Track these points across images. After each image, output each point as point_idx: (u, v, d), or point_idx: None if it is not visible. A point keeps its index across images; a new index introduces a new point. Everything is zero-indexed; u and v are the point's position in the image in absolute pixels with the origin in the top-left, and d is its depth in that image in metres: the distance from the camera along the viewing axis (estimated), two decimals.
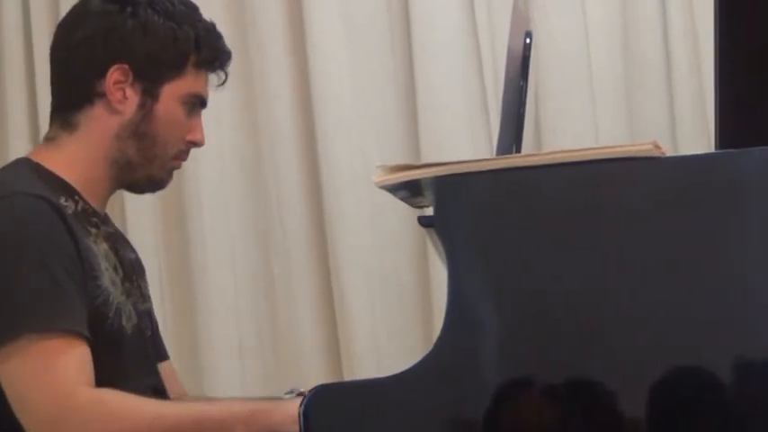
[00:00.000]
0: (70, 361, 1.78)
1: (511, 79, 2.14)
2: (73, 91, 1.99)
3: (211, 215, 3.18)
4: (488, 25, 3.06)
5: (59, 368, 1.77)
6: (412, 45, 3.10)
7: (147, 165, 2.00)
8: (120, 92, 1.96)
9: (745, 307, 1.64)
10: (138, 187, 2.06)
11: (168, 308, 3.19)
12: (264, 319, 3.19)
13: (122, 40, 1.96)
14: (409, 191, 1.81)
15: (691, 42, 2.97)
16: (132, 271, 2.04)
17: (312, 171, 3.16)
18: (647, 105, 3.01)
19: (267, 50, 3.18)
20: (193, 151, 2.07)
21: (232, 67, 2.07)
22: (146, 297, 2.07)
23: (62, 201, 1.90)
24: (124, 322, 1.91)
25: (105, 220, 2.02)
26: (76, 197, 1.95)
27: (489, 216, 1.70)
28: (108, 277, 1.90)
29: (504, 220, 1.70)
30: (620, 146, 1.69)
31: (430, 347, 1.68)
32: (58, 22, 2.07)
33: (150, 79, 1.97)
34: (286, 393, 1.91)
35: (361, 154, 3.10)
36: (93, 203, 1.98)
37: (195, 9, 2.03)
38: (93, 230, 1.94)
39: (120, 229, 2.26)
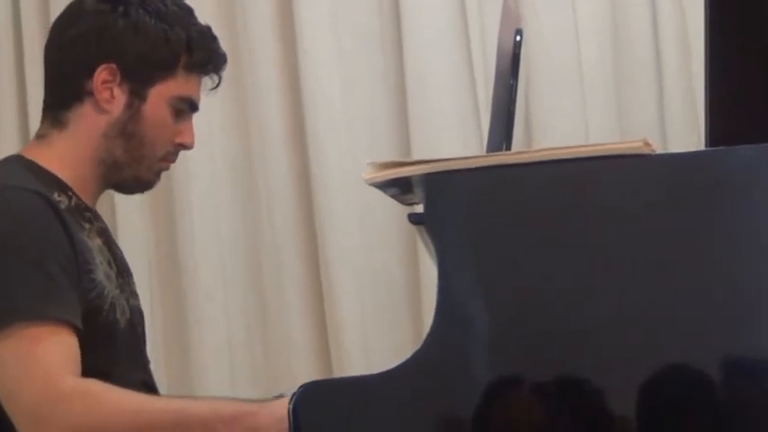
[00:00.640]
0: (57, 350, 1.78)
1: (501, 77, 2.14)
2: (63, 89, 2.00)
3: (201, 213, 3.18)
4: (479, 23, 3.07)
5: (46, 357, 1.77)
6: (402, 43, 3.10)
7: (135, 165, 2.00)
8: (108, 91, 1.96)
9: (733, 305, 1.65)
10: (126, 187, 2.07)
11: (158, 306, 3.18)
12: (254, 317, 3.19)
13: (112, 39, 1.96)
14: (399, 188, 1.81)
15: (681, 40, 2.97)
16: (124, 267, 2.05)
17: (302, 169, 3.16)
18: (638, 103, 3.02)
19: (257, 49, 3.17)
20: (185, 153, 2.06)
21: None
22: (136, 294, 2.07)
23: (55, 196, 1.90)
24: (118, 316, 1.92)
25: (97, 216, 2.02)
26: (69, 192, 1.95)
27: (479, 213, 1.70)
28: (102, 271, 1.91)
29: (494, 217, 1.70)
30: (611, 143, 1.69)
31: (419, 345, 1.68)
32: (48, 22, 2.07)
33: (139, 80, 1.97)
34: (274, 396, 1.91)
35: (351, 152, 3.10)
36: (85, 199, 1.99)
37: (189, 11, 2.03)
38: (87, 225, 1.95)
39: (111, 227, 2.26)
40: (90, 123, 1.97)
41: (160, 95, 1.98)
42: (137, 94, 1.97)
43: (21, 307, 1.78)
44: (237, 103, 3.20)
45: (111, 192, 2.11)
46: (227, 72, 2.07)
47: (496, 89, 2.20)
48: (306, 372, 3.06)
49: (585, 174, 1.67)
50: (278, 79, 3.18)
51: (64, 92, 1.99)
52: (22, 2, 3.28)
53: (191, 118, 2.04)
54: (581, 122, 2.99)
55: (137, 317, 2.02)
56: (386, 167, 1.72)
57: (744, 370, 1.64)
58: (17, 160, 1.99)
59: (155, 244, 3.23)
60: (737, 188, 1.68)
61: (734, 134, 1.82)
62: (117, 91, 1.97)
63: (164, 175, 2.07)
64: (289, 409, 1.68)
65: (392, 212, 2.95)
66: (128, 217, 3.17)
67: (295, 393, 1.69)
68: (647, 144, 1.67)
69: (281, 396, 1.84)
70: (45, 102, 2.03)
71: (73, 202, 1.94)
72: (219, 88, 2.08)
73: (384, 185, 1.78)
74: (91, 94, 1.97)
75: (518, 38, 2.07)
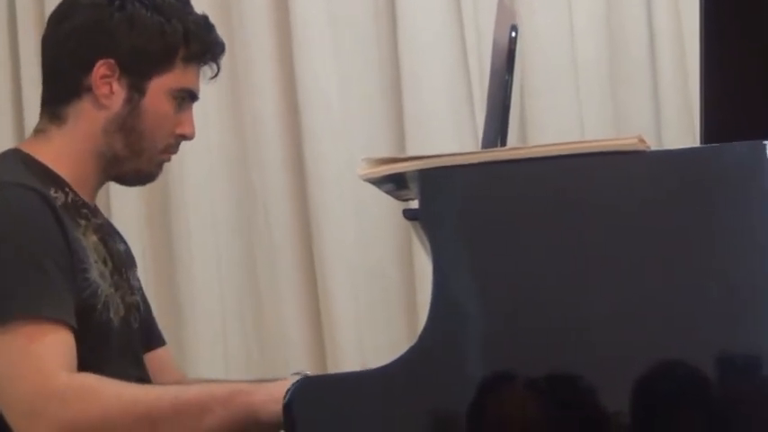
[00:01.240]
0: (52, 346, 1.78)
1: (496, 73, 2.14)
2: (61, 85, 1.99)
3: (196, 209, 3.18)
4: (474, 19, 3.07)
5: (41, 353, 1.76)
6: (397, 39, 3.10)
7: (135, 158, 2.00)
8: (107, 86, 1.96)
9: (727, 301, 1.64)
10: (127, 180, 2.07)
11: (152, 301, 3.17)
12: (249, 313, 3.19)
13: (109, 34, 1.95)
14: (394, 184, 1.80)
15: (676, 39, 2.97)
16: (121, 263, 2.04)
17: (297, 165, 3.16)
18: (633, 100, 3.02)
19: (252, 44, 3.18)
20: (180, 145, 2.06)
21: None
22: (134, 289, 2.06)
23: (52, 192, 1.90)
24: (112, 315, 1.92)
25: (95, 211, 2.02)
26: (66, 189, 1.95)
27: (474, 209, 1.70)
28: (97, 270, 1.90)
29: (489, 213, 1.70)
30: (606, 140, 1.69)
31: (414, 340, 1.67)
32: (43, 16, 2.06)
33: (137, 74, 1.97)
34: (292, 374, 1.90)
35: (346, 147, 3.10)
36: (83, 195, 1.98)
37: (186, 2, 2.02)
38: (83, 222, 1.94)
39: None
40: (89, 119, 1.97)
41: (159, 88, 1.98)
42: (136, 89, 1.97)
43: (16, 305, 1.78)
44: (233, 100, 3.20)
45: (106, 186, 2.10)
46: (223, 68, 2.07)
47: (492, 85, 2.20)
48: (300, 367, 3.04)
49: (580, 170, 1.67)
50: (274, 76, 3.18)
51: (62, 87, 1.99)
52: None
53: (191, 108, 2.03)
54: (576, 119, 3.00)
55: (133, 314, 2.01)
56: (381, 163, 1.72)
57: (738, 366, 1.64)
58: (14, 155, 1.98)
59: (150, 239, 3.23)
60: (732, 185, 1.67)
61: (728, 131, 1.83)
62: (116, 86, 1.96)
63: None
64: (283, 404, 1.68)
65: (387, 208, 2.95)
66: (123, 211, 3.16)
67: (290, 389, 1.69)
68: (641, 141, 1.67)
69: (297, 373, 1.84)
70: (43, 97, 2.02)
71: (69, 199, 1.94)
72: (215, 84, 2.08)
73: (379, 181, 1.78)
74: (89, 89, 1.96)
75: (513, 34, 2.07)
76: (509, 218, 1.70)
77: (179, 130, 2.02)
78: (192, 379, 2.30)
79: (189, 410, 1.76)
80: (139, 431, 1.75)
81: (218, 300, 3.17)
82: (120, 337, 1.94)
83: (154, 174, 2.05)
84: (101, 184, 2.04)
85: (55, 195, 1.90)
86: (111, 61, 1.95)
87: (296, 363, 3.09)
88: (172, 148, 2.04)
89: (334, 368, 3.03)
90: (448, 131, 3.06)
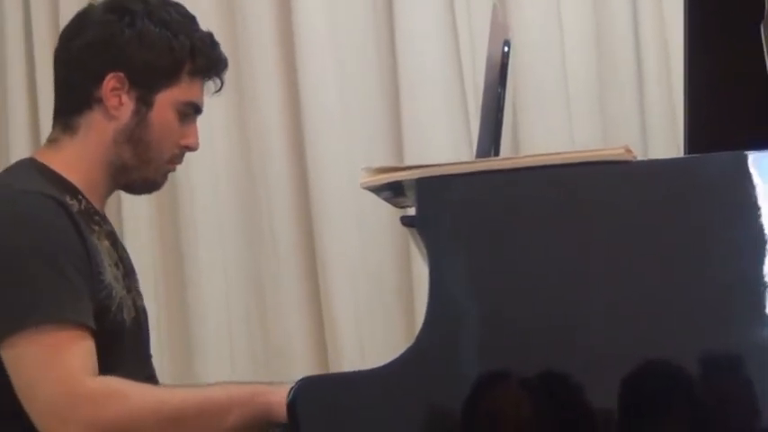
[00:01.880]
0: (77, 351, 1.78)
1: (490, 86, 2.14)
2: (73, 96, 1.99)
3: (204, 217, 3.18)
4: (469, 35, 3.07)
5: (66, 358, 1.77)
6: (396, 55, 3.10)
7: (143, 168, 2.00)
8: (117, 98, 1.96)
9: (711, 305, 1.65)
10: (135, 188, 2.07)
11: (163, 307, 3.18)
12: (255, 316, 3.19)
13: (119, 48, 1.95)
14: (392, 192, 1.81)
15: (661, 54, 2.98)
16: (130, 268, 2.05)
17: (300, 174, 3.16)
18: (620, 112, 3.02)
19: (257, 60, 3.18)
20: (187, 156, 2.06)
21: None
22: (140, 294, 2.06)
23: (67, 199, 1.90)
24: (125, 315, 1.92)
25: (105, 219, 2.02)
26: (80, 196, 1.95)
27: (468, 216, 1.70)
28: (111, 273, 1.91)
29: (483, 219, 1.70)
30: (594, 150, 1.69)
31: (412, 341, 1.68)
32: (58, 30, 2.06)
33: (145, 87, 1.96)
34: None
35: (347, 157, 3.10)
36: (94, 202, 1.98)
37: (192, 19, 2.02)
38: (96, 228, 1.94)
39: (117, 227, 2.25)
40: (100, 129, 1.97)
41: (166, 101, 1.98)
42: (144, 101, 1.97)
43: (40, 309, 1.78)
44: (238, 112, 3.20)
45: (117, 193, 2.10)
46: (229, 81, 2.07)
47: (485, 97, 2.20)
48: (303, 367, 3.05)
49: (570, 179, 1.68)
50: (277, 89, 3.18)
51: (74, 99, 1.99)
52: (33, 11, 3.28)
53: (195, 120, 2.03)
54: (566, 131, 3.00)
55: (142, 315, 2.02)
56: (380, 172, 1.72)
57: (721, 365, 1.65)
58: (30, 164, 1.99)
59: (160, 248, 3.23)
60: (714, 193, 1.68)
61: (710, 143, 1.83)
62: (125, 98, 1.96)
63: (169, 181, 2.07)
64: (287, 402, 1.68)
65: (386, 215, 2.94)
66: (134, 222, 3.16)
67: (293, 388, 1.70)
68: (628, 151, 1.67)
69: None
70: (55, 108, 2.03)
71: (83, 206, 1.94)
72: (222, 98, 2.08)
73: (378, 189, 1.79)
74: (100, 101, 1.96)
75: (506, 48, 2.08)
76: (502, 224, 1.70)
77: (184, 142, 2.02)
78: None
79: (211, 410, 1.78)
80: (166, 431, 1.77)
81: (224, 303, 3.17)
82: (131, 337, 1.94)
83: (159, 183, 2.05)
84: (110, 192, 2.04)
85: (70, 202, 1.90)
86: (121, 74, 1.95)
87: (299, 363, 3.09)
88: (177, 159, 2.04)
89: (335, 368, 3.03)
90: (444, 142, 3.06)
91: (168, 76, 1.97)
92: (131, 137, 1.97)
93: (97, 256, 1.88)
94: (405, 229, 2.01)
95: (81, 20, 2.01)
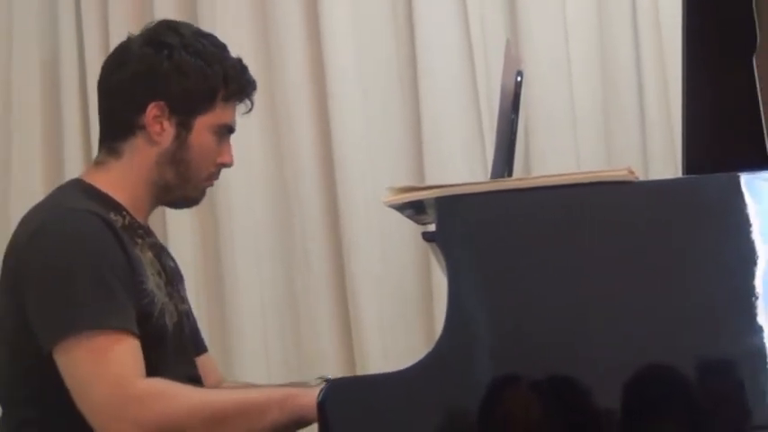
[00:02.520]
0: (124, 354, 1.79)
1: (504, 112, 2.14)
2: (117, 124, 2.00)
3: (242, 234, 3.17)
4: (485, 67, 3.07)
5: (115, 361, 1.78)
6: (418, 84, 3.10)
7: (183, 186, 2.01)
8: (158, 125, 1.97)
9: (705, 318, 1.65)
10: (176, 205, 2.09)
11: (203, 316, 3.18)
12: (288, 323, 3.19)
13: (159, 79, 1.96)
14: (414, 209, 1.81)
15: (661, 85, 2.96)
16: (173, 276, 2.05)
17: (330, 193, 3.16)
18: (623, 137, 3.01)
19: (291, 91, 3.18)
20: (226, 178, 2.07)
21: (260, 102, 2.06)
22: (184, 299, 2.08)
23: (111, 216, 1.91)
24: (167, 320, 1.93)
25: (149, 231, 2.03)
26: (124, 212, 1.96)
27: (484, 232, 1.70)
28: (153, 281, 1.92)
29: (498, 235, 1.70)
30: (599, 171, 1.70)
31: (431, 347, 1.68)
32: (108, 50, 2.05)
33: (184, 113, 1.97)
34: (316, 378, 1.93)
35: (373, 178, 3.11)
36: (138, 218, 1.99)
37: (223, 48, 2.03)
38: (140, 241, 1.95)
39: (162, 239, 2.26)
40: (143, 153, 1.98)
41: (203, 125, 1.99)
42: (183, 126, 1.98)
43: (87, 317, 1.79)
44: (273, 136, 3.21)
45: (162, 208, 2.11)
46: (264, 107, 2.07)
47: (500, 123, 2.21)
48: (332, 370, 3.05)
49: (577, 198, 1.68)
50: (308, 116, 3.19)
51: (118, 126, 1.99)
52: (86, 39, 3.31)
53: (229, 139, 2.04)
54: (573, 153, 3.00)
55: (184, 319, 2.02)
56: (403, 191, 1.73)
57: (717, 371, 1.65)
58: (75, 184, 2.01)
59: (202, 263, 3.22)
60: (711, 210, 1.68)
61: (706, 165, 1.84)
62: (166, 124, 1.97)
63: (209, 202, 2.07)
64: (317, 402, 1.69)
65: (408, 231, 2.95)
66: (177, 237, 3.15)
67: (322, 390, 1.70)
68: (630, 172, 1.68)
69: (320, 378, 1.88)
70: (101, 134, 2.03)
71: (127, 221, 1.95)
72: (258, 119, 2.07)
73: (401, 207, 1.79)
74: (143, 128, 1.97)
75: (519, 78, 2.08)
76: (515, 239, 1.70)
77: (220, 160, 2.03)
78: (231, 381, 2.31)
79: (250, 411, 1.78)
80: (209, 429, 1.77)
81: (260, 312, 3.17)
82: (174, 340, 1.95)
83: (198, 199, 2.07)
84: (153, 208, 2.05)
85: (114, 218, 1.91)
86: (162, 103, 1.96)
87: (328, 366, 3.09)
88: (214, 176, 2.05)
89: (361, 371, 3.04)
90: (461, 164, 3.06)
91: (205, 103, 1.98)
92: (173, 159, 1.98)
93: (139, 266, 1.89)
94: (425, 244, 2.01)
95: (122, 54, 2.01)
